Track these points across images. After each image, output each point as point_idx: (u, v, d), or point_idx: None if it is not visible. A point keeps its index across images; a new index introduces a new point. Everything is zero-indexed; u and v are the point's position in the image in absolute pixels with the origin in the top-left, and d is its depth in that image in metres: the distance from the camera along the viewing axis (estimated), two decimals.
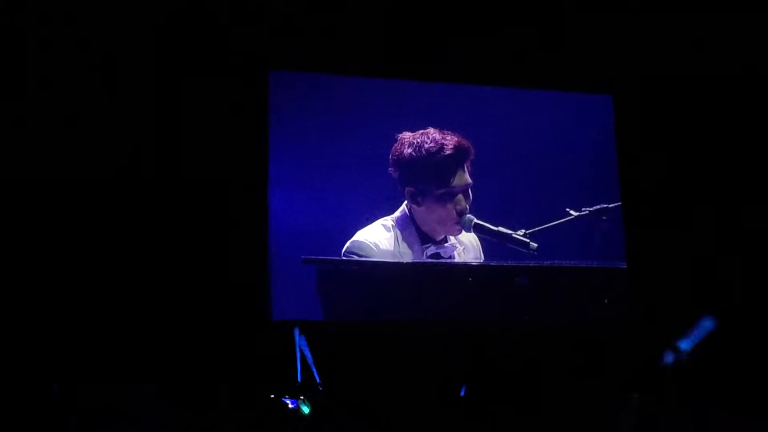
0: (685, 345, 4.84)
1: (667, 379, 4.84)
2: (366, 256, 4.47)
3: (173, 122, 4.53)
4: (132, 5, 4.53)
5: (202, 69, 4.59)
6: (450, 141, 4.55)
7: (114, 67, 4.48)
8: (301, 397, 4.32)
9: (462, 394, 4.51)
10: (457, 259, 4.65)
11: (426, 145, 4.55)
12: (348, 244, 4.49)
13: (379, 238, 4.52)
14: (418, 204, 4.57)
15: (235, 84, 4.62)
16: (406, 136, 4.60)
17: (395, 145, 4.61)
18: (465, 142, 4.58)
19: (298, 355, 4.47)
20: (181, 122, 4.54)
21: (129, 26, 4.51)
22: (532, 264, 4.69)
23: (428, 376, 4.58)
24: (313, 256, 4.47)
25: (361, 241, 4.49)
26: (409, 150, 4.56)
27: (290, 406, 4.26)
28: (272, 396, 4.31)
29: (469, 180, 4.58)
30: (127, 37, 4.50)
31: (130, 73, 4.51)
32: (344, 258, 4.47)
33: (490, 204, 4.70)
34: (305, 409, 4.27)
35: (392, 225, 4.56)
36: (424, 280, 4.58)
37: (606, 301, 4.87)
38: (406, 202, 4.60)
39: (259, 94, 4.67)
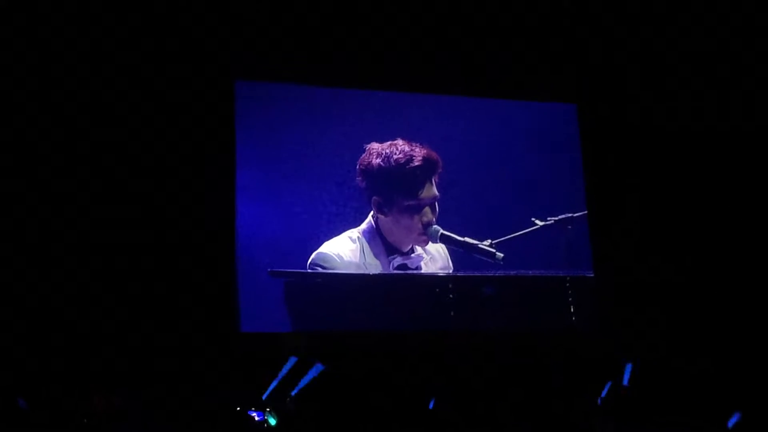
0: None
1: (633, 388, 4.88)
2: (330, 268, 4.47)
3: (139, 132, 4.50)
4: (99, 14, 4.49)
5: (168, 79, 4.56)
6: (419, 153, 4.58)
7: (82, 76, 4.45)
8: (268, 409, 4.31)
9: (431, 406, 4.52)
10: (424, 270, 4.67)
11: (395, 156, 4.57)
12: (313, 256, 4.50)
13: (343, 249, 4.53)
14: (385, 214, 4.58)
15: (201, 94, 4.59)
16: (375, 146, 4.62)
17: (363, 155, 4.63)
18: (434, 155, 4.60)
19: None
20: (147, 132, 4.50)
21: (97, 35, 4.47)
22: (498, 274, 4.72)
23: (396, 386, 4.59)
24: (280, 269, 4.48)
25: (326, 253, 4.50)
26: (378, 160, 4.57)
27: (256, 418, 4.25)
28: (238, 408, 4.29)
29: (437, 193, 4.61)
30: (97, 45, 4.47)
31: (98, 83, 4.48)
32: (309, 270, 4.47)
33: (457, 214, 4.73)
34: (272, 421, 4.26)
35: (358, 236, 4.57)
36: (391, 290, 4.60)
37: (572, 309, 4.91)
38: (372, 212, 4.60)
39: (226, 104, 4.65)
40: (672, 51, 5.29)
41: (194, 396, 4.31)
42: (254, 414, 4.28)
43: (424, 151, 4.59)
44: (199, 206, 4.51)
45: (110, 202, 4.39)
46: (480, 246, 4.68)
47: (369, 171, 4.59)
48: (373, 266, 4.56)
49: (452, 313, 4.73)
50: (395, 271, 4.60)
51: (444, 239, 4.66)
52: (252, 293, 4.52)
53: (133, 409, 4.22)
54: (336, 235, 4.57)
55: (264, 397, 4.36)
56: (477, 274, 4.73)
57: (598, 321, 4.98)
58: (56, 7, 4.41)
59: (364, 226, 4.60)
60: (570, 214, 4.87)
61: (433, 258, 4.70)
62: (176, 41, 4.60)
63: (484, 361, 4.74)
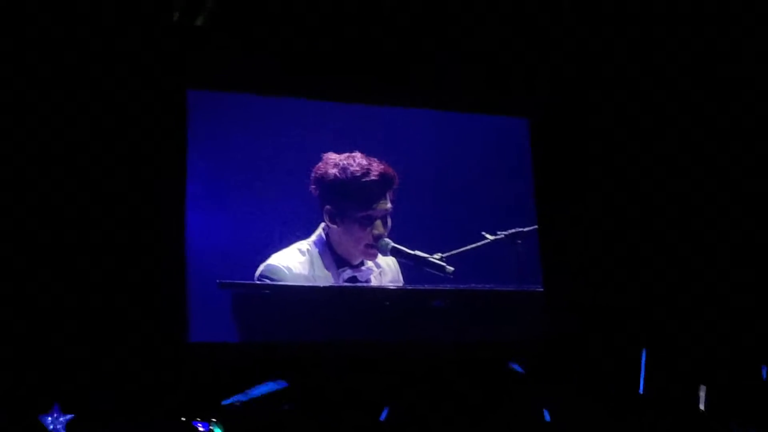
0: None
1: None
2: (278, 280, 4.47)
3: (89, 139, 4.45)
4: (53, 19, 4.44)
5: (119, 85, 4.52)
6: (376, 168, 4.61)
7: (32, 80, 4.39)
8: (213, 420, 4.28)
9: (382, 418, 4.52)
10: (374, 283, 4.68)
11: (351, 168, 4.59)
12: (261, 267, 4.49)
13: (292, 262, 4.52)
14: (336, 224, 4.59)
15: (153, 102, 4.55)
16: (332, 156, 4.64)
17: (319, 163, 4.64)
18: (391, 171, 4.64)
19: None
20: (97, 139, 4.45)
21: (50, 39, 4.41)
22: (448, 287, 4.74)
23: (346, 398, 4.59)
24: (229, 281, 4.46)
25: (274, 265, 4.50)
26: (334, 170, 4.59)
27: (201, 429, 4.22)
28: (183, 419, 4.26)
29: (390, 207, 4.63)
30: (48, 50, 4.41)
31: (46, 89, 4.42)
32: (258, 282, 4.46)
33: (408, 227, 4.74)
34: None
35: (308, 248, 4.57)
36: (341, 303, 4.60)
37: (522, 322, 4.95)
38: (322, 225, 4.61)
39: (178, 113, 4.62)
40: (629, 66, 5.34)
41: (141, 406, 4.28)
42: (199, 425, 4.25)
43: (381, 167, 4.63)
44: (149, 216, 4.47)
45: (57, 209, 4.33)
46: (430, 259, 4.70)
47: (324, 180, 4.61)
48: (323, 278, 4.56)
49: (402, 326, 4.74)
50: (345, 284, 4.61)
51: (395, 252, 4.68)
52: (201, 304, 4.49)
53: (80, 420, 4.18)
54: (286, 247, 4.56)
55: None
56: (427, 287, 4.75)
57: (547, 334, 5.02)
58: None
59: (314, 237, 4.61)
60: (520, 229, 4.91)
61: (384, 271, 4.71)
62: (128, 49, 4.55)
63: (434, 371, 4.76)
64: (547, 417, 4.68)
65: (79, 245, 4.35)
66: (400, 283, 4.75)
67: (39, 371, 4.17)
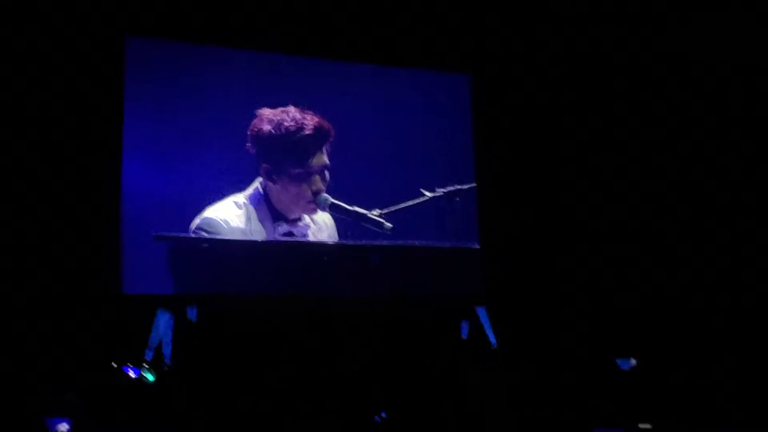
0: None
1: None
2: (215, 233, 4.43)
3: (26, 85, 4.35)
4: None
5: (57, 32, 4.41)
6: (310, 121, 4.55)
7: None
8: (145, 365, 4.29)
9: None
10: (310, 238, 4.67)
11: (285, 124, 4.53)
12: (197, 220, 4.45)
13: (229, 215, 4.49)
14: (274, 181, 4.55)
15: (89, 48, 4.46)
16: (266, 112, 4.57)
17: (254, 120, 4.57)
18: (326, 124, 4.58)
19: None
20: (34, 85, 4.36)
21: None
22: (385, 243, 4.76)
23: (280, 349, 4.61)
24: (165, 233, 4.41)
25: (211, 218, 4.45)
26: (268, 127, 4.53)
27: (132, 374, 4.22)
28: (114, 365, 4.26)
29: (327, 161, 4.60)
30: None
31: None
32: (193, 235, 4.42)
33: (346, 183, 4.73)
34: (150, 377, 4.24)
35: (244, 202, 4.54)
36: (278, 257, 4.59)
37: (457, 279, 5.00)
38: (259, 178, 4.57)
39: (115, 59, 4.52)
40: (572, 17, 5.33)
41: (73, 356, 4.28)
42: (130, 370, 4.26)
43: (315, 120, 4.57)
44: (85, 164, 4.41)
45: None
46: (369, 215, 4.70)
47: (259, 138, 4.54)
48: (259, 233, 4.54)
49: (339, 281, 4.76)
50: (283, 238, 4.59)
51: (333, 208, 4.66)
52: (136, 256, 4.46)
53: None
54: (221, 200, 4.52)
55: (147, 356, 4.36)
56: (365, 243, 4.76)
57: (482, 292, 5.08)
58: None
59: (250, 191, 4.57)
60: (458, 186, 4.92)
61: (320, 228, 4.70)
62: None
63: (370, 325, 4.80)
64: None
65: (13, 193, 4.29)
66: (336, 239, 4.75)
67: None
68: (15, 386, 4.07)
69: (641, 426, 4.23)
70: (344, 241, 4.75)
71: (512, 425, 4.57)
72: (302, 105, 4.61)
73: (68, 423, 3.79)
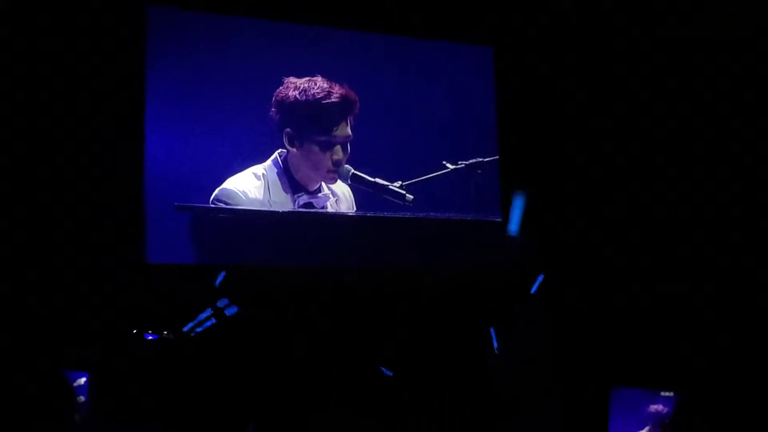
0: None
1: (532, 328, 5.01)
2: (234, 204, 4.46)
3: (45, 59, 4.37)
4: None
5: (77, 2, 4.42)
6: (337, 91, 4.59)
7: None
8: (165, 333, 4.35)
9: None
10: (330, 210, 4.69)
11: (312, 90, 4.57)
12: (216, 191, 4.48)
13: (248, 186, 4.51)
14: (296, 147, 4.57)
15: (111, 20, 4.46)
16: (293, 80, 4.61)
17: (280, 87, 4.60)
18: (352, 95, 4.61)
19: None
20: (55, 58, 4.38)
21: None
22: (407, 215, 4.77)
23: (301, 322, 4.65)
24: (186, 203, 4.44)
25: (230, 189, 4.48)
26: (295, 93, 4.57)
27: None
28: (134, 331, 4.32)
29: (350, 133, 4.62)
30: None
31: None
32: (213, 206, 4.45)
33: (368, 155, 4.73)
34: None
35: (263, 173, 4.56)
36: (296, 228, 4.61)
37: (479, 252, 5.00)
38: (279, 150, 4.59)
39: (137, 31, 4.53)
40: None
41: (96, 323, 4.34)
42: (150, 336, 4.32)
43: (342, 90, 4.60)
44: (107, 137, 4.44)
45: (15, 132, 4.29)
46: (390, 187, 4.72)
47: (284, 103, 4.58)
48: (278, 204, 4.57)
49: (358, 252, 4.78)
50: (302, 209, 4.61)
51: (355, 179, 4.68)
52: (159, 226, 4.49)
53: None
54: (240, 171, 4.54)
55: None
56: (386, 214, 4.76)
57: (503, 264, 5.08)
58: None
59: (269, 162, 4.59)
60: (480, 159, 4.91)
61: (339, 199, 4.72)
62: None
63: (389, 296, 4.82)
64: (495, 343, 4.78)
65: (37, 167, 4.33)
66: (355, 211, 4.76)
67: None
68: (37, 348, 4.16)
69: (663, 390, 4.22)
70: (365, 212, 4.75)
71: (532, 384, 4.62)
72: (325, 74, 4.62)
73: (86, 377, 3.87)
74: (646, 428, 4.10)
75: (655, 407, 4.09)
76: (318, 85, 4.57)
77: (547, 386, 4.73)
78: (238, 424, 4.26)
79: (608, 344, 4.83)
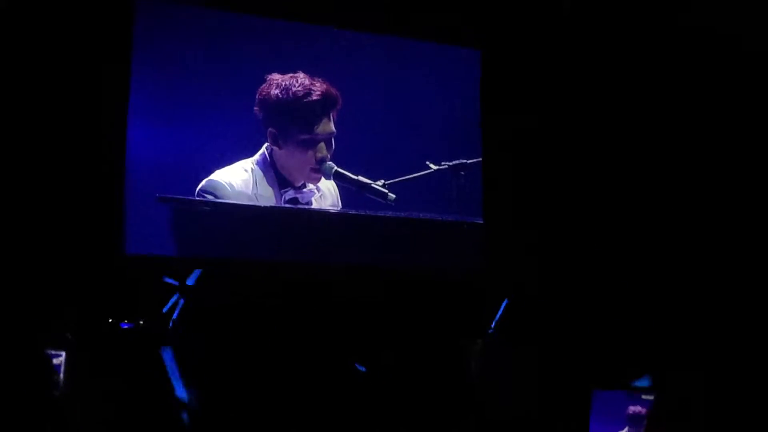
0: None
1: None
2: (220, 197, 4.46)
3: (29, 48, 4.35)
4: None
5: None
6: (318, 87, 4.57)
7: None
8: (141, 322, 4.34)
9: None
10: (314, 206, 4.69)
11: (294, 89, 4.55)
12: (203, 183, 4.47)
13: (234, 179, 4.51)
14: (279, 146, 4.58)
15: (98, 8, 4.45)
16: (275, 77, 4.60)
17: (263, 85, 4.59)
18: (333, 91, 4.60)
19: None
20: (39, 48, 4.36)
21: None
22: (389, 214, 4.77)
23: (282, 317, 4.64)
24: (168, 195, 4.43)
25: (216, 181, 4.48)
26: (276, 91, 4.56)
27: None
28: (110, 320, 4.30)
29: (333, 129, 4.61)
30: None
31: None
32: (198, 197, 4.45)
33: (352, 153, 4.73)
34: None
35: (251, 167, 4.56)
36: (279, 224, 4.61)
37: (459, 253, 5.01)
38: (267, 144, 4.59)
39: (124, 20, 4.52)
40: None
41: (74, 313, 4.31)
42: (126, 326, 4.31)
43: (324, 86, 4.59)
44: (90, 125, 4.42)
45: None
46: (373, 186, 4.72)
47: (267, 101, 4.58)
48: (264, 198, 4.57)
49: (340, 249, 4.78)
50: (287, 205, 4.61)
51: (338, 176, 4.68)
52: (140, 217, 4.48)
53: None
54: (229, 165, 4.54)
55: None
56: (368, 213, 4.76)
57: (483, 266, 5.09)
58: None
59: (257, 157, 4.59)
60: (464, 160, 4.92)
61: (324, 195, 4.72)
62: None
63: (370, 294, 4.82)
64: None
65: (18, 154, 4.30)
66: (339, 207, 4.76)
67: None
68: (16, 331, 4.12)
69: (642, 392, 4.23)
70: (347, 210, 4.75)
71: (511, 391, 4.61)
72: (310, 71, 4.62)
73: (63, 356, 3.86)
74: (625, 429, 4.12)
75: (634, 408, 4.11)
76: (299, 82, 4.57)
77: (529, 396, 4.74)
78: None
79: (589, 345, 4.84)
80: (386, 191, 4.71)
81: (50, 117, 4.38)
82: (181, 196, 4.46)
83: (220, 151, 4.56)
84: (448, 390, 4.67)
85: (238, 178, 4.51)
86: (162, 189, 4.45)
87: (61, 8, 4.38)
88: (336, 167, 4.64)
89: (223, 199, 4.48)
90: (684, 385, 4.18)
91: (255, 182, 4.54)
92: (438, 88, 5.07)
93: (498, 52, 5.21)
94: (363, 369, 4.57)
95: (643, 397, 4.12)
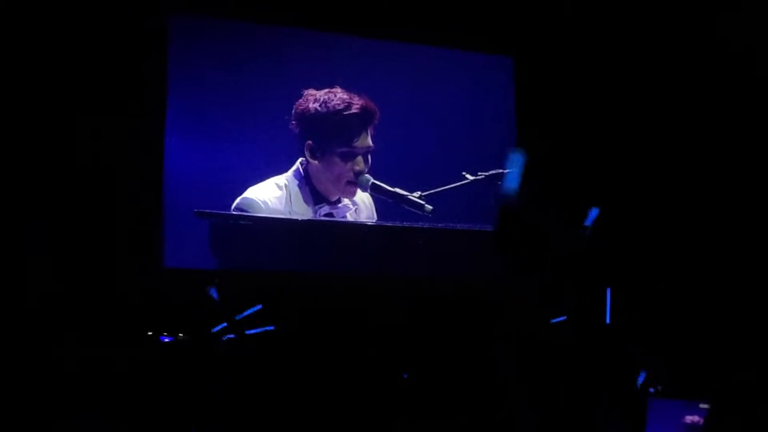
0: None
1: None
2: (255, 214, 4.46)
3: (69, 64, 4.43)
4: None
5: (99, 7, 4.48)
6: (357, 102, 4.56)
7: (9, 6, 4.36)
8: (180, 335, 4.38)
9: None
10: (350, 219, 4.69)
11: (332, 102, 4.54)
12: (237, 200, 4.49)
13: (269, 196, 4.51)
14: (317, 159, 4.57)
15: (132, 27, 4.52)
16: (312, 92, 4.59)
17: (300, 99, 4.59)
18: (372, 105, 4.59)
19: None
20: (76, 65, 4.44)
21: None
22: (426, 226, 4.75)
23: (322, 328, 4.65)
24: (206, 210, 4.45)
25: (251, 199, 4.48)
26: (315, 105, 4.55)
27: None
28: (149, 333, 4.35)
29: (371, 143, 4.60)
30: None
31: (22, 16, 4.39)
32: (232, 213, 4.47)
33: (388, 165, 4.73)
34: None
35: (285, 184, 4.56)
36: (316, 237, 4.60)
37: (497, 263, 4.97)
38: (300, 160, 4.60)
39: (159, 39, 4.59)
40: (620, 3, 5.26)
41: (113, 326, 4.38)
42: (165, 338, 4.37)
43: (362, 101, 4.58)
44: (128, 143, 4.49)
45: (34, 135, 4.35)
46: (410, 197, 4.68)
47: (305, 115, 4.56)
48: (299, 214, 4.57)
49: (377, 261, 4.76)
50: (324, 218, 4.61)
51: (375, 188, 4.66)
52: (177, 231, 4.53)
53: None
54: (263, 180, 4.55)
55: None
56: (405, 224, 4.75)
57: (522, 276, 5.05)
58: None
59: (290, 173, 4.60)
60: (500, 170, 4.88)
61: (359, 209, 4.72)
62: None
63: (410, 305, 4.81)
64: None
65: (57, 171, 4.38)
66: (375, 219, 4.76)
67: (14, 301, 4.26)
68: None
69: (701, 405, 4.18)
70: (383, 222, 4.75)
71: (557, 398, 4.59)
72: (345, 83, 4.62)
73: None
74: None
75: (691, 418, 4.05)
76: (338, 96, 4.55)
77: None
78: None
79: (646, 353, 4.78)
80: (423, 202, 4.66)
81: (90, 134, 4.47)
82: (218, 211, 4.48)
83: (256, 165, 4.60)
84: (487, 401, 4.67)
85: (272, 195, 4.52)
86: (199, 204, 4.46)
87: (99, 28, 4.46)
88: (372, 179, 4.63)
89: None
90: (742, 394, 4.13)
91: (289, 199, 4.54)
92: (472, 96, 5.06)
93: (531, 57, 5.19)
94: (405, 376, 4.57)
95: (701, 406, 4.07)
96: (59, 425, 4.05)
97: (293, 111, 4.58)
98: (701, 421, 4.02)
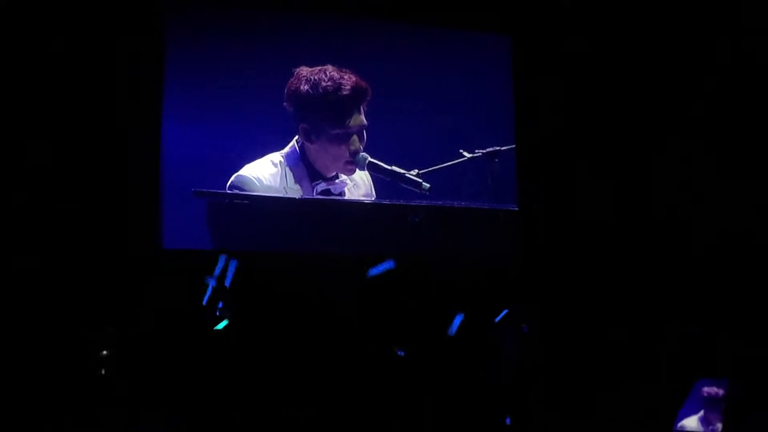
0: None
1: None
2: (249, 191, 4.47)
3: (67, 47, 4.44)
4: None
5: None
6: (348, 81, 4.53)
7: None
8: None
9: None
10: (347, 196, 4.69)
11: (323, 83, 4.51)
12: (233, 178, 4.49)
13: (263, 173, 4.51)
14: (312, 142, 4.56)
15: (130, 12, 4.52)
16: (304, 71, 4.56)
17: (291, 79, 4.56)
18: (363, 84, 4.56)
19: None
20: (76, 47, 4.45)
21: None
22: (424, 203, 4.76)
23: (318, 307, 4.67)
24: (204, 189, 4.47)
25: (245, 176, 4.48)
26: (306, 86, 4.51)
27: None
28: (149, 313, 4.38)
29: (365, 121, 4.59)
30: None
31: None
32: (230, 192, 4.47)
33: (385, 143, 4.73)
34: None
35: (280, 161, 4.55)
36: (313, 215, 4.62)
37: (495, 241, 4.99)
38: (296, 137, 4.59)
39: (156, 23, 4.59)
40: None
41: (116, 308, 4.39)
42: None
43: (353, 79, 4.55)
44: (126, 124, 4.49)
45: (35, 117, 4.36)
46: (407, 175, 4.69)
47: (297, 97, 4.54)
48: (294, 191, 4.56)
49: (374, 240, 4.78)
50: (321, 197, 4.61)
51: (371, 167, 4.66)
52: (176, 212, 4.53)
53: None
54: (258, 158, 4.55)
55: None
56: (402, 202, 4.76)
57: (518, 254, 5.07)
58: None
59: (287, 150, 4.59)
60: (497, 147, 4.89)
61: (357, 185, 4.71)
62: None
63: (404, 284, 4.82)
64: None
65: (55, 154, 4.39)
66: (373, 197, 4.76)
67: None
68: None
69: None
70: (381, 200, 4.75)
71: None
72: (340, 64, 4.61)
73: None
74: (701, 412, 4.03)
75: (708, 390, 4.03)
76: (329, 75, 4.51)
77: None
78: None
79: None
80: (420, 180, 4.68)
81: (87, 117, 4.47)
82: (216, 190, 4.49)
83: (252, 145, 4.58)
84: (483, 377, 4.69)
85: (266, 173, 4.51)
86: (196, 184, 4.48)
87: (96, 13, 4.46)
88: (369, 157, 4.63)
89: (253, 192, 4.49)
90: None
91: (284, 176, 4.53)
92: (469, 75, 5.05)
93: (528, 37, 5.18)
94: (402, 354, 4.58)
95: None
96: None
97: (285, 91, 4.55)
98: (720, 392, 4.00)
